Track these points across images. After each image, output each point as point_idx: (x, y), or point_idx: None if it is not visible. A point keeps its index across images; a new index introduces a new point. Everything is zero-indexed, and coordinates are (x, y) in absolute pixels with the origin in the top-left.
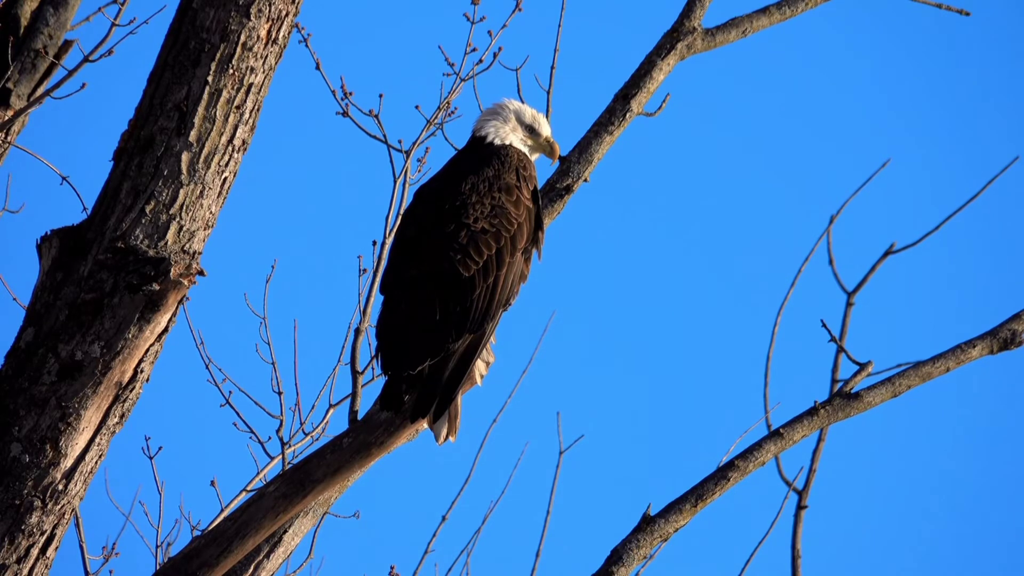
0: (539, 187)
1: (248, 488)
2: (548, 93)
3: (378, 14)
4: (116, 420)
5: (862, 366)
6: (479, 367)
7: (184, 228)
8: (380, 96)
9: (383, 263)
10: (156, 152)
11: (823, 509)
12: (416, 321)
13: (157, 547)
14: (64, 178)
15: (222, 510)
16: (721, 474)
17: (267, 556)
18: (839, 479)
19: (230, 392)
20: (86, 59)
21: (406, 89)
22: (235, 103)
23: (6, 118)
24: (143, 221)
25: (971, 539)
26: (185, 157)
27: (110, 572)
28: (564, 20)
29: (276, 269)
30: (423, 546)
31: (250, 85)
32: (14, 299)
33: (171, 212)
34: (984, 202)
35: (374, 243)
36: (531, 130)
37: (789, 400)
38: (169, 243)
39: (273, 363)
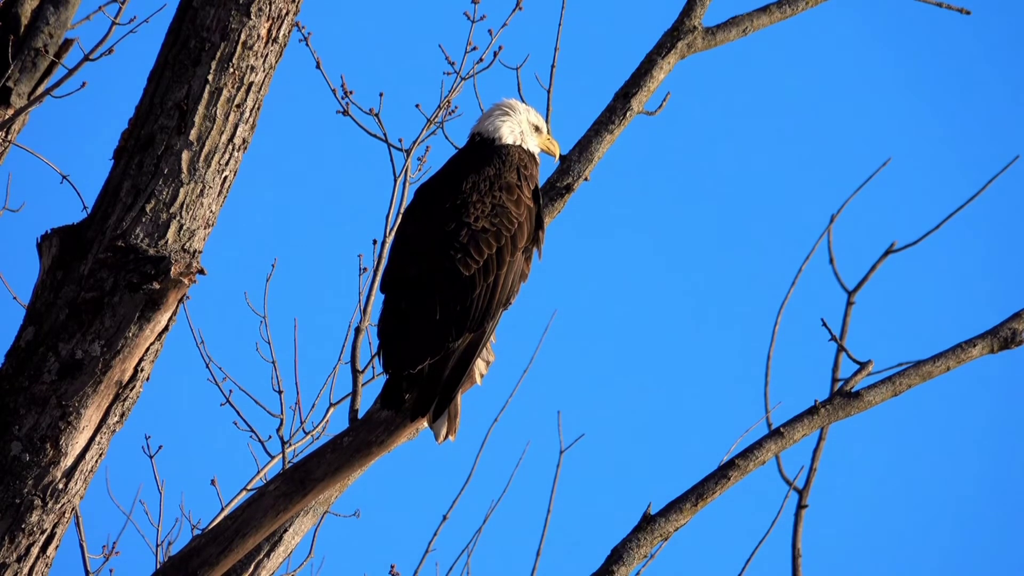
0: (540, 186)
1: (248, 487)
2: (548, 92)
3: (378, 14)
4: (116, 419)
5: (862, 365)
6: (479, 366)
7: (184, 227)
8: (380, 95)
9: (384, 262)
10: (156, 151)
11: (823, 509)
12: (416, 320)
13: (157, 546)
14: (64, 177)
15: (222, 509)
16: (721, 473)
17: (267, 555)
18: (839, 479)
19: (230, 391)
20: (86, 58)
21: (406, 88)
22: (235, 102)
23: (6, 117)
24: (143, 220)
25: (971, 538)
26: (185, 156)
27: (110, 571)
28: (564, 19)
29: (276, 268)
30: (423, 546)
31: (250, 84)
32: (14, 298)
33: (171, 211)
34: (984, 202)
35: (374, 242)
36: (536, 129)
37: (790, 399)
38: (169, 242)
39: (273, 362)
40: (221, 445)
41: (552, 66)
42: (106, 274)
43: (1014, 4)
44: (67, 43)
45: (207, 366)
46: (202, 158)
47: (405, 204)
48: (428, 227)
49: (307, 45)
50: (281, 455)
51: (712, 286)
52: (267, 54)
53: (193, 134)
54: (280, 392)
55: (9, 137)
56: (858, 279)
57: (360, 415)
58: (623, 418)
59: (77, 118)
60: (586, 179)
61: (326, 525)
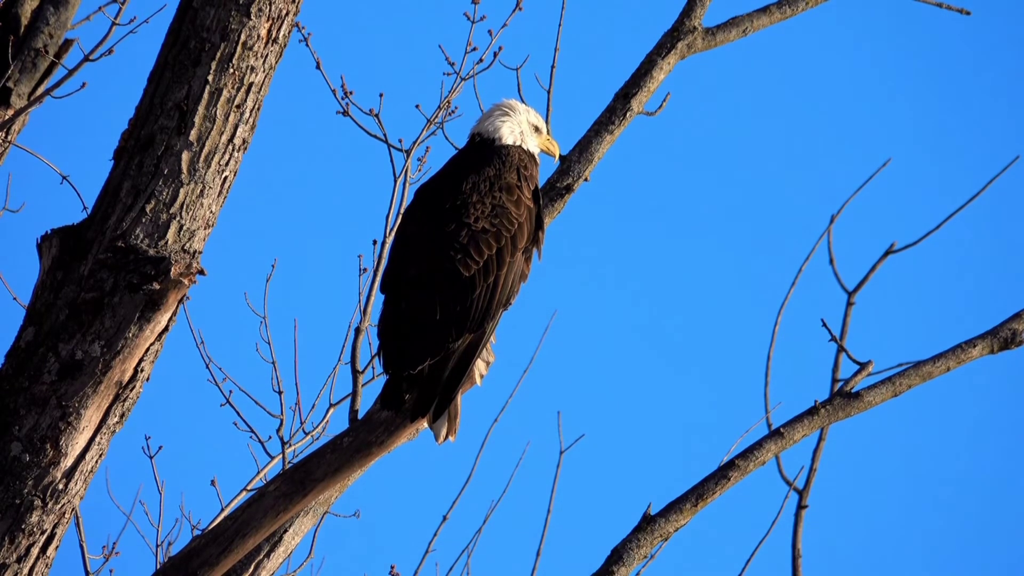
0: (540, 186)
1: (248, 487)
2: (548, 93)
3: (378, 14)
4: (116, 419)
5: (862, 365)
6: (479, 367)
7: (184, 227)
8: (380, 95)
9: (384, 262)
10: (156, 151)
11: (823, 509)
12: (416, 320)
13: (157, 546)
14: (64, 177)
15: (222, 509)
16: (721, 473)
17: (267, 555)
18: (839, 479)
19: (230, 391)
20: (86, 58)
21: (406, 88)
22: (235, 102)
23: (6, 117)
24: (143, 220)
25: (971, 539)
26: (185, 156)
27: (110, 571)
28: (564, 20)
29: (276, 269)
30: (423, 546)
31: (250, 84)
32: (14, 299)
33: (171, 211)
34: (984, 202)
35: (374, 242)
36: (536, 129)
37: (790, 399)
38: (169, 242)
39: (273, 362)
40: (221, 445)
41: (552, 66)
42: (106, 274)
43: (1014, 4)
44: (67, 43)
45: (207, 366)
46: (202, 158)
47: (405, 204)
48: (428, 228)
49: (307, 45)
50: (281, 455)
51: (712, 286)
52: (267, 54)
53: (193, 134)
54: (280, 392)
55: (9, 137)
56: (858, 279)
57: (360, 415)
58: (623, 418)
59: (77, 118)
60: (586, 179)
61: (326, 525)
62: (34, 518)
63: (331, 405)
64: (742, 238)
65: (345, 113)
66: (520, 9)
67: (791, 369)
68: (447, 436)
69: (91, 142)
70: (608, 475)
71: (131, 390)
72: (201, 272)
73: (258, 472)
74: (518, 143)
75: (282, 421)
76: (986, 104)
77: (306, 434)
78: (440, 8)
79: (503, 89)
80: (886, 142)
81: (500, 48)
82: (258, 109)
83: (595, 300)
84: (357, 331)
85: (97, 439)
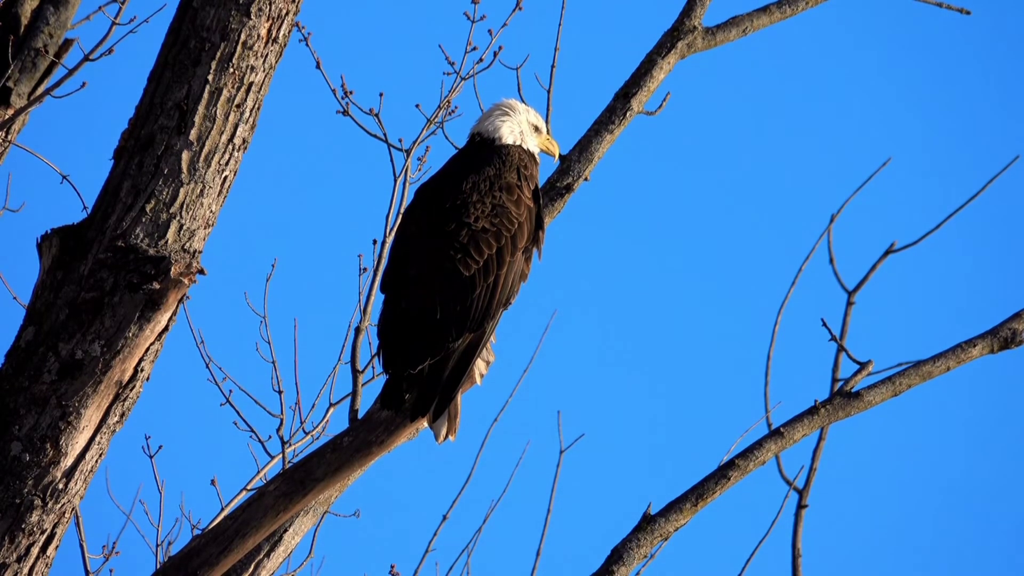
0: (540, 186)
1: (248, 487)
2: (548, 92)
3: (378, 14)
4: (116, 419)
5: (862, 365)
6: (479, 366)
7: (184, 227)
8: (380, 95)
9: (384, 262)
10: (156, 151)
11: (823, 509)
12: (416, 320)
13: (157, 546)
14: (64, 177)
15: (222, 509)
16: (721, 473)
17: (267, 555)
18: (839, 479)
19: (230, 391)
20: (86, 58)
21: (406, 88)
22: (235, 102)
23: (6, 117)
24: (143, 220)
25: (971, 539)
26: (185, 156)
27: (110, 571)
28: (564, 19)
29: (276, 268)
30: (423, 546)
31: (250, 84)
32: (14, 298)
33: (171, 211)
34: (984, 202)
35: (374, 242)
36: (536, 129)
37: (790, 399)
38: (169, 242)
39: (273, 362)
40: (221, 445)
41: (552, 66)
42: (106, 274)
43: (1014, 4)
44: (67, 43)
45: (207, 366)
46: (202, 158)
47: (405, 204)
48: (428, 227)
49: (307, 45)
50: (281, 455)
51: (712, 286)
52: (267, 54)
53: (193, 134)
54: (280, 392)
55: (9, 137)
56: (858, 279)
57: (360, 415)
58: (623, 418)
59: (77, 118)
60: (586, 179)
61: (326, 525)
62: (34, 518)
63: (331, 405)
64: (742, 237)
65: (345, 113)
66: (520, 9)
67: (791, 369)
68: (447, 436)
69: (91, 142)
70: (608, 475)
71: (131, 390)
72: (201, 272)
73: (258, 472)
74: (518, 143)
75: (282, 421)
76: (986, 104)
77: (306, 434)
78: (440, 8)
79: (503, 89)
80: (886, 142)
81: (500, 48)
82: (258, 109)
83: (595, 300)
84: (357, 331)
85: (97, 439)
